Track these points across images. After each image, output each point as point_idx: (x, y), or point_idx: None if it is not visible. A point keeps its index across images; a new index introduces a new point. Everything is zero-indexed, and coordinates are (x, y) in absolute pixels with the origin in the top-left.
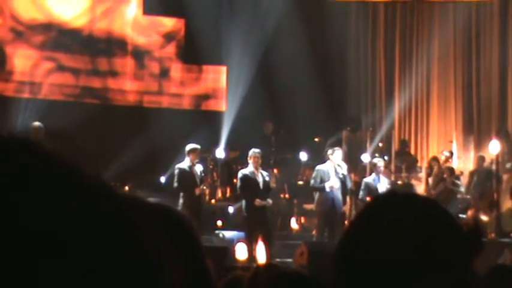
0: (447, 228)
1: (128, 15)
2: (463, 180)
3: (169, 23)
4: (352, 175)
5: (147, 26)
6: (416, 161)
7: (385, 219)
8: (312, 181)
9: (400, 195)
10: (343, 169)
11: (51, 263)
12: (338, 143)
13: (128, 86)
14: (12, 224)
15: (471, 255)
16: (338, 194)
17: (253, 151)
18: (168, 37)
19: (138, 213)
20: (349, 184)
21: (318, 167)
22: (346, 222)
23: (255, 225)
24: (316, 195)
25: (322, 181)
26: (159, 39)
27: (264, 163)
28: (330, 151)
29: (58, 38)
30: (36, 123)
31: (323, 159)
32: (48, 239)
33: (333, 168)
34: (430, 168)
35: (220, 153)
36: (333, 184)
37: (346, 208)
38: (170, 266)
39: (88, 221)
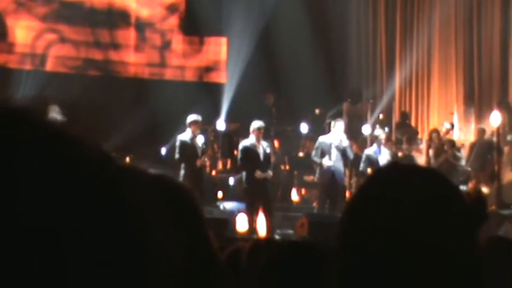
0: (450, 199)
1: None
2: (464, 152)
3: None
4: (354, 147)
5: None
6: (417, 133)
7: (387, 195)
8: (313, 152)
9: (402, 169)
10: (344, 141)
11: (46, 243)
12: (338, 115)
13: (129, 58)
14: (6, 199)
15: (475, 226)
16: (339, 166)
17: (258, 124)
18: (170, 9)
19: (138, 184)
20: (351, 155)
21: (320, 138)
22: (347, 193)
23: (255, 196)
24: (317, 167)
25: (323, 153)
26: (161, 11)
27: (265, 135)
28: (332, 123)
29: (60, 10)
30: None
31: (323, 131)
32: (44, 218)
33: (335, 140)
34: (430, 140)
35: (221, 124)
36: (327, 163)
37: (347, 179)
38: (171, 238)
39: (85, 196)
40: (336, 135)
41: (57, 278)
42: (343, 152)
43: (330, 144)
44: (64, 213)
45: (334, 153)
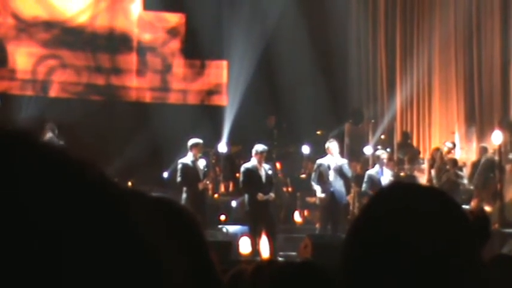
0: (454, 218)
1: (129, 10)
2: (466, 171)
3: (171, 18)
4: (358, 168)
5: (150, 22)
6: (419, 153)
7: (390, 215)
8: (313, 175)
9: (404, 188)
10: (339, 160)
11: (49, 258)
12: (340, 136)
13: (131, 83)
14: (9, 218)
15: (478, 244)
16: (338, 186)
17: (261, 148)
18: (172, 33)
19: (139, 207)
20: (349, 173)
21: (318, 161)
22: (349, 212)
23: (258, 219)
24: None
25: (322, 175)
26: (163, 35)
27: (267, 157)
28: (326, 144)
29: (61, 36)
30: (49, 124)
31: (326, 152)
32: (46, 235)
33: (331, 161)
34: (432, 159)
35: (222, 147)
36: (319, 195)
37: (350, 198)
38: (171, 260)
39: (87, 215)
40: (332, 156)
41: None
42: (340, 172)
43: (328, 166)
44: (67, 234)
45: (332, 174)
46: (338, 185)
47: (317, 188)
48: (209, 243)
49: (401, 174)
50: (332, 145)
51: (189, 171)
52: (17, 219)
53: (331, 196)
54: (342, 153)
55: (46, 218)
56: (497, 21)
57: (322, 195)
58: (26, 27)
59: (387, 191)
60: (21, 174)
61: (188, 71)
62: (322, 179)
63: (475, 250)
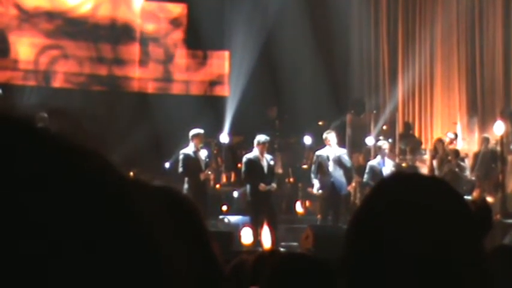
0: (456, 208)
1: (132, 1)
2: (468, 162)
3: (174, 8)
4: (360, 158)
5: (152, 12)
6: (421, 143)
7: (392, 206)
8: (312, 167)
9: (406, 178)
10: (337, 150)
11: (47, 247)
12: (341, 127)
13: (134, 73)
14: (5, 205)
15: (480, 235)
16: (338, 176)
17: (263, 138)
18: (174, 23)
19: (141, 196)
20: (347, 163)
21: (317, 152)
22: (350, 203)
23: (259, 209)
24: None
25: (321, 166)
26: (166, 26)
27: (269, 147)
28: (324, 135)
29: (64, 26)
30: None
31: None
32: (44, 224)
33: (330, 152)
34: (434, 150)
35: (224, 138)
36: (315, 191)
37: (352, 188)
38: (175, 250)
39: (87, 205)
40: (330, 146)
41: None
42: (339, 162)
43: (327, 157)
44: (69, 222)
45: (332, 164)
46: (338, 175)
47: (315, 183)
48: (211, 233)
49: (403, 164)
50: (330, 136)
51: (191, 161)
52: (13, 206)
53: (332, 187)
54: (342, 144)
55: (44, 206)
56: (500, 10)
57: (320, 191)
58: (28, 18)
59: (388, 181)
60: (20, 160)
61: (190, 62)
62: (322, 170)
63: (477, 241)
